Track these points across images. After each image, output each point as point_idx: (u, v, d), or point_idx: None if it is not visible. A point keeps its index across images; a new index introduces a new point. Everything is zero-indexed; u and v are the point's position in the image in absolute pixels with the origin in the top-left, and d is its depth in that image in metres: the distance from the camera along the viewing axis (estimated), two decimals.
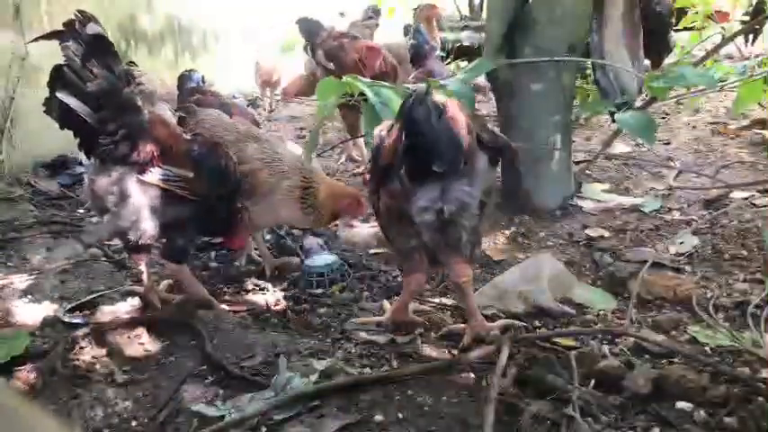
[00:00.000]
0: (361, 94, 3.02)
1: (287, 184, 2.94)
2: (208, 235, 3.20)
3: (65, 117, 2.41)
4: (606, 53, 3.76)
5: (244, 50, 7.66)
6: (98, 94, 2.41)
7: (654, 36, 4.42)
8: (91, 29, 2.42)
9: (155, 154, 2.57)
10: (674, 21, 6.13)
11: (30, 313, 2.84)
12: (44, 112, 2.44)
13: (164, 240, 2.74)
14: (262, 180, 2.87)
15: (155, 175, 2.56)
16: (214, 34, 7.85)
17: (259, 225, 3.09)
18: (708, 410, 2.06)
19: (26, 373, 2.37)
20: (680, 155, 5.13)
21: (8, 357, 2.42)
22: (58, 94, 2.36)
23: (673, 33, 6.01)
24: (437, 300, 2.95)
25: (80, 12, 2.43)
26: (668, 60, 6.31)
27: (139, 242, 2.63)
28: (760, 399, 2.03)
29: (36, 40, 2.54)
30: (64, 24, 2.42)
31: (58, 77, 2.37)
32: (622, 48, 3.80)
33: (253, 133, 2.99)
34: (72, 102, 2.37)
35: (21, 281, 3.14)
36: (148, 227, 2.60)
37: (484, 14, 4.83)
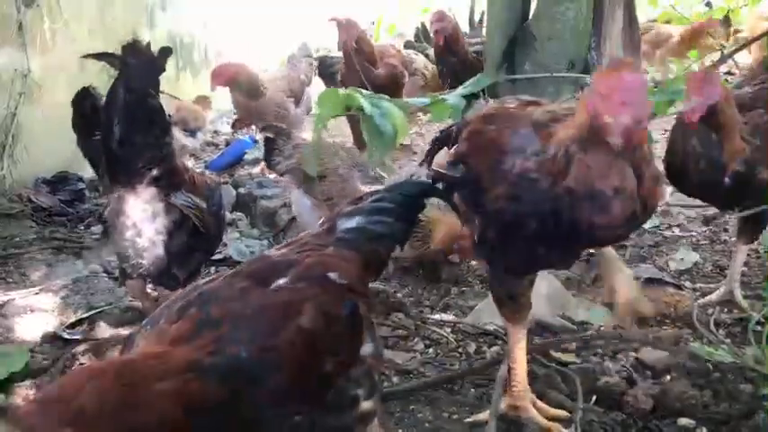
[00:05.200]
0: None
1: None
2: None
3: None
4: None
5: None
6: (153, 112, 2.47)
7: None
8: (149, 54, 2.49)
9: (182, 180, 2.63)
10: None
11: (29, 329, 2.84)
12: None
13: (162, 268, 2.72)
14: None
15: (178, 199, 2.59)
16: (215, 50, 7.89)
17: None
18: (709, 427, 2.06)
19: (26, 390, 2.37)
20: None
21: (8, 374, 2.41)
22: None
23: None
24: (437, 316, 2.95)
25: (135, 40, 2.51)
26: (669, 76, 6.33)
27: (150, 266, 2.64)
28: (762, 415, 2.02)
29: (86, 57, 2.61)
30: (123, 47, 2.47)
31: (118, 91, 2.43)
32: None
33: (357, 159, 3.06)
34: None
35: (21, 297, 3.14)
36: (159, 251, 2.61)
37: (484, 31, 4.84)
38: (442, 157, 2.27)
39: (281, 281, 1.51)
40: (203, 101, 6.17)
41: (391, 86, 4.72)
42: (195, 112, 5.85)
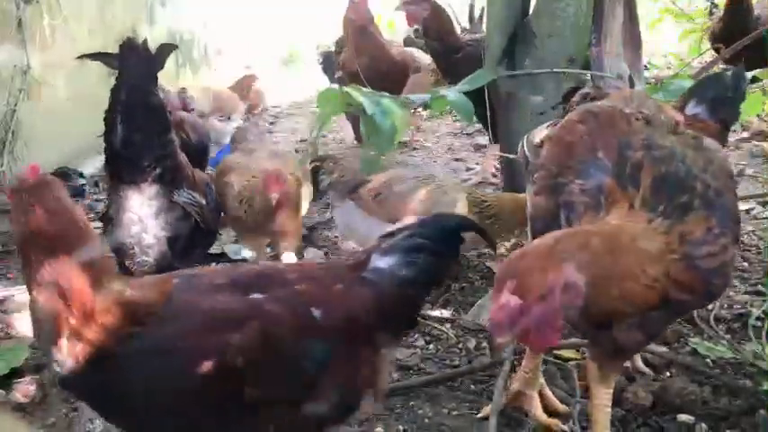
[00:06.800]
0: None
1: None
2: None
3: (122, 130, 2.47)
4: (606, 66, 3.77)
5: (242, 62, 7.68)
6: (153, 110, 2.50)
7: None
8: (146, 52, 2.50)
9: (184, 177, 2.65)
10: None
11: (29, 325, 2.83)
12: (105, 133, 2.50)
13: (164, 265, 2.72)
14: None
15: (181, 197, 2.60)
16: (215, 48, 7.89)
17: None
18: (709, 423, 2.06)
19: (25, 386, 2.37)
20: None
21: (7, 370, 2.42)
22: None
23: None
24: (437, 312, 2.95)
25: (130, 38, 2.52)
26: (669, 72, 6.31)
27: (153, 264, 2.64)
28: (761, 411, 2.02)
29: (82, 57, 2.60)
30: (120, 46, 2.47)
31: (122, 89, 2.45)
32: (622, 60, 3.81)
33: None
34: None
35: (20, 293, 3.14)
36: (164, 249, 2.63)
37: (484, 27, 4.82)
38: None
39: (258, 295, 1.47)
40: (244, 81, 6.01)
41: (400, 76, 4.70)
42: (231, 99, 5.78)
